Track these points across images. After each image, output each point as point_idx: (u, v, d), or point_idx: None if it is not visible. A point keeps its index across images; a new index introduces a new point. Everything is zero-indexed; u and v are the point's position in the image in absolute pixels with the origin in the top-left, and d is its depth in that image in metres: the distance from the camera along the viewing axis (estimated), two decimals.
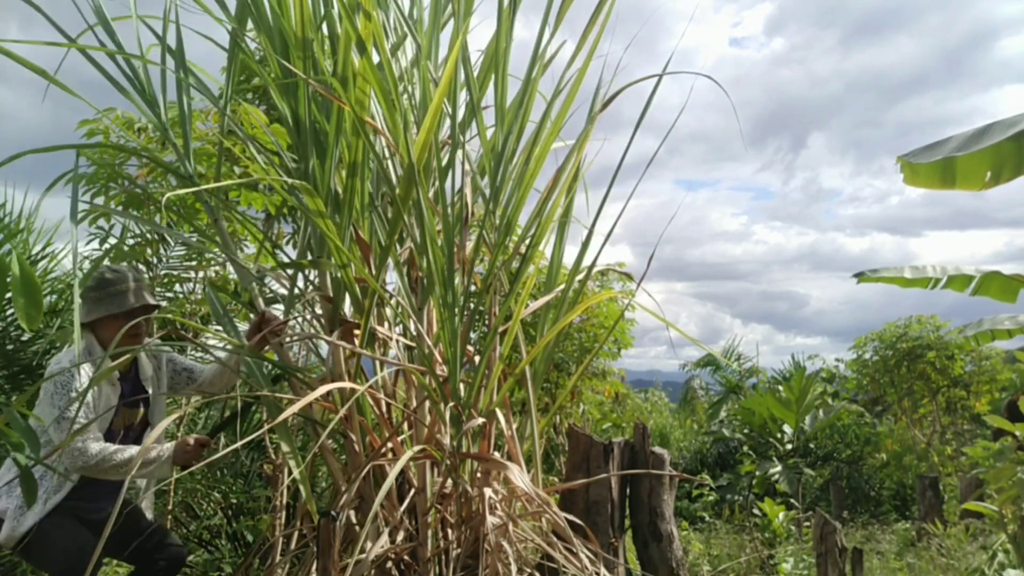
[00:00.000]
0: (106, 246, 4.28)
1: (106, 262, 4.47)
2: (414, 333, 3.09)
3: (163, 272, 4.44)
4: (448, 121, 3.26)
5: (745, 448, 10.54)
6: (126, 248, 4.22)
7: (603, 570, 2.80)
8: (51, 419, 2.65)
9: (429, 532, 2.92)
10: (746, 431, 10.95)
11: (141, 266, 4.39)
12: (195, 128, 3.78)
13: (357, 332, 3.08)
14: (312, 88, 2.91)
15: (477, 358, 3.12)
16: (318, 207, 2.83)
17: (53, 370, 2.75)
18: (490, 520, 2.71)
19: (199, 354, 4.55)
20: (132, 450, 2.70)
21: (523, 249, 3.37)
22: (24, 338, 4.61)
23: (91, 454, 2.65)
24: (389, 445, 2.98)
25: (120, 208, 3.86)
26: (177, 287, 4.61)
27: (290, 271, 3.35)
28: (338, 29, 3.16)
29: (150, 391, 3.00)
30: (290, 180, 2.95)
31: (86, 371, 2.75)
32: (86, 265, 4.79)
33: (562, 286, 3.37)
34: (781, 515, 5.64)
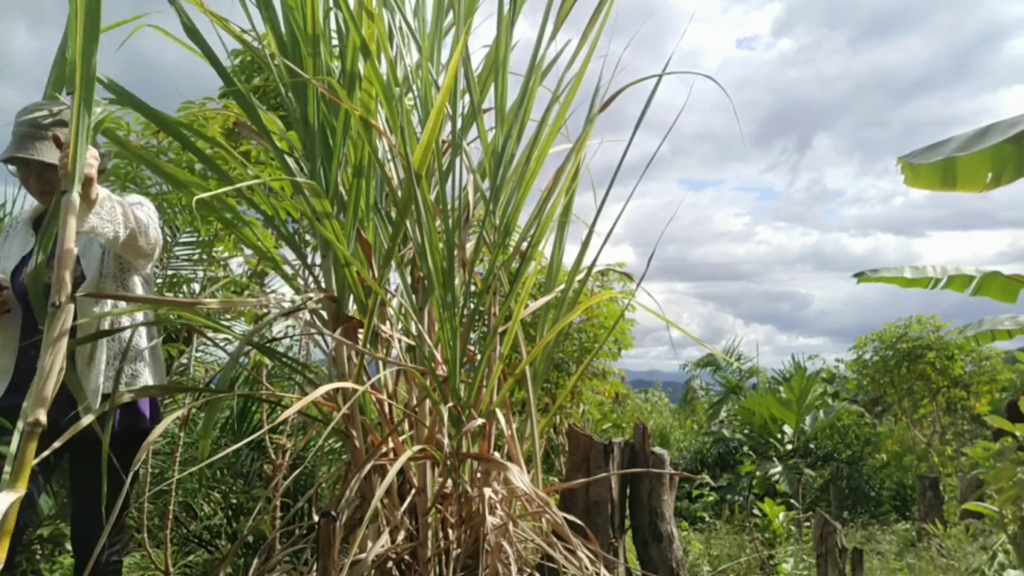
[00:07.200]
0: None
1: None
2: (415, 333, 3.10)
3: (170, 272, 4.41)
4: (449, 123, 3.26)
5: (745, 448, 10.55)
6: None
7: (603, 570, 2.81)
8: None
9: (429, 532, 2.93)
10: (746, 431, 10.96)
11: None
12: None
13: (361, 331, 3.08)
14: (319, 89, 2.90)
15: (478, 358, 3.12)
16: (325, 208, 2.83)
17: None
18: (490, 520, 2.71)
19: (204, 352, 4.56)
20: None
21: (523, 249, 3.38)
22: None
23: None
24: (390, 444, 2.99)
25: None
26: (185, 288, 4.58)
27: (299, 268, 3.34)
28: (333, 26, 3.16)
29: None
30: (300, 180, 2.93)
31: None
32: None
33: (562, 286, 3.37)
34: (781, 515, 5.64)
